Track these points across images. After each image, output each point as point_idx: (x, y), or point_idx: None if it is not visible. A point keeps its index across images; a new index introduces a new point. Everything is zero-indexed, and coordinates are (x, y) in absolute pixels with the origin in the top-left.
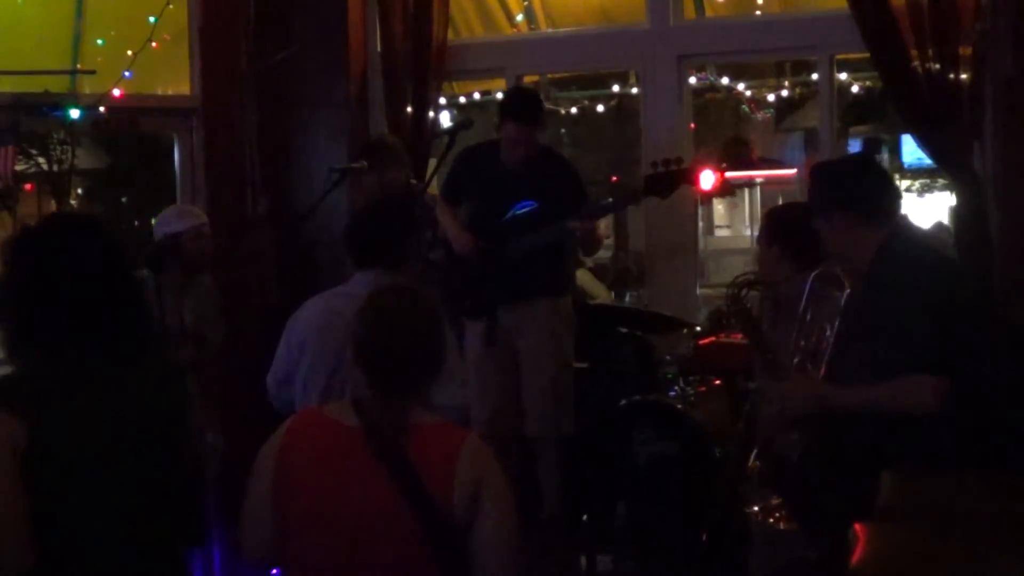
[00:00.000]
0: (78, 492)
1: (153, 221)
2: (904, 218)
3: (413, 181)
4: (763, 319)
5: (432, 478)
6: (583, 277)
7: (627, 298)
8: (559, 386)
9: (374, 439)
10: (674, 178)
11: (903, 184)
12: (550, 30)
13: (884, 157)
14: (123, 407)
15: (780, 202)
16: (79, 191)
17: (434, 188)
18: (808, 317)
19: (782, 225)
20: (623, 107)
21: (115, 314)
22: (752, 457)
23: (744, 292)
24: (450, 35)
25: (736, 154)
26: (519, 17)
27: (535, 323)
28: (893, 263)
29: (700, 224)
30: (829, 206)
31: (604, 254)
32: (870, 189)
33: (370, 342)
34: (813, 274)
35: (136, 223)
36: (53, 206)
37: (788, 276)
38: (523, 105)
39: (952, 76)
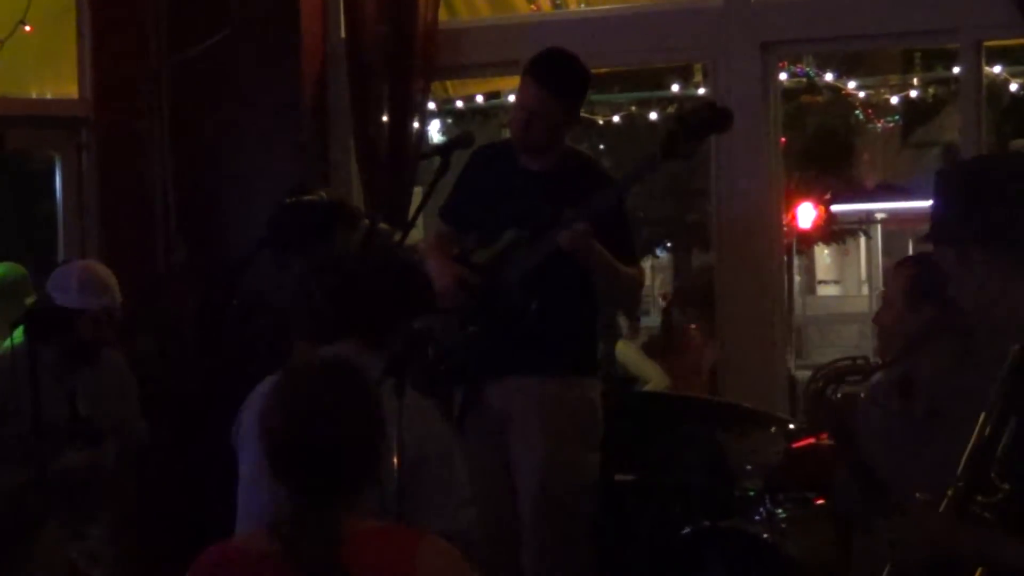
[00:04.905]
0: None
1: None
2: None
3: (383, 226)
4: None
5: None
6: (627, 353)
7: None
8: (559, 507)
9: (297, 564)
10: (701, 127)
11: None
12: (583, 7)
13: None
14: None
15: (911, 247)
16: None
17: (419, 232)
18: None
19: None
20: None
21: None
22: None
23: (831, 389)
24: (442, 15)
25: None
26: None
27: (530, 410)
28: None
29: (796, 279)
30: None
31: (657, 320)
32: None
33: (281, 433)
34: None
35: None
36: None
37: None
38: (546, 63)
39: None
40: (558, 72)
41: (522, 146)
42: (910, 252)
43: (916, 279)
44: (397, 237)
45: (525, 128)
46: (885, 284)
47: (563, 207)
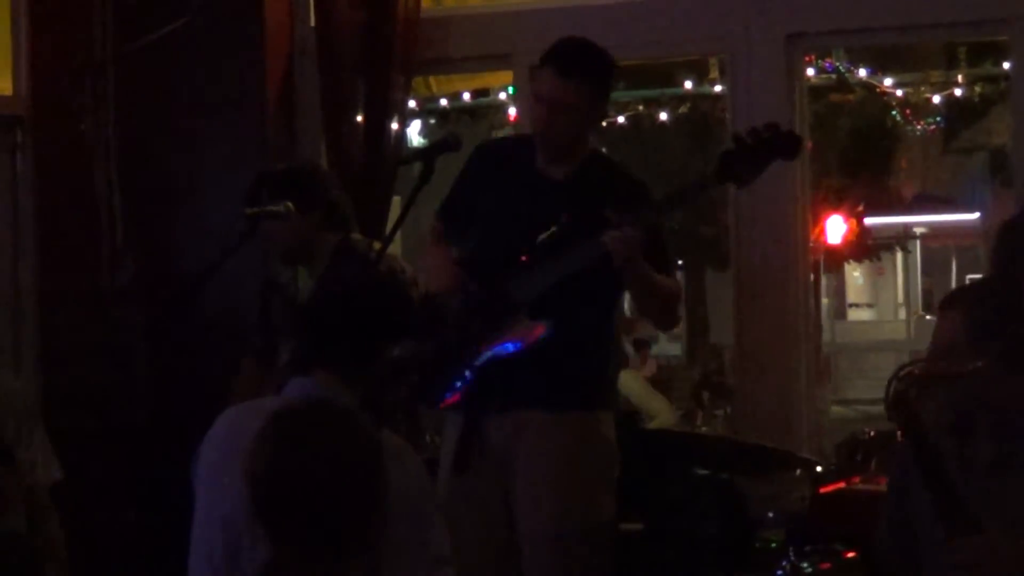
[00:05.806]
0: None
1: None
2: None
3: (356, 236)
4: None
5: None
6: (631, 384)
7: (699, 419)
8: (570, 560)
9: None
10: (764, 149)
11: None
12: None
13: None
14: None
15: (954, 264)
16: None
17: (396, 247)
18: None
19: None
20: (700, 115)
21: None
22: None
23: (914, 392)
24: (426, 2)
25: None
26: None
27: (538, 452)
28: None
29: (824, 302)
30: None
31: (669, 348)
32: None
33: (270, 483)
34: None
35: None
36: None
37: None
38: (565, 49)
39: None
40: (581, 58)
41: (545, 145)
42: (953, 270)
43: (976, 316)
44: (376, 247)
45: (548, 123)
46: (926, 308)
47: (588, 219)
